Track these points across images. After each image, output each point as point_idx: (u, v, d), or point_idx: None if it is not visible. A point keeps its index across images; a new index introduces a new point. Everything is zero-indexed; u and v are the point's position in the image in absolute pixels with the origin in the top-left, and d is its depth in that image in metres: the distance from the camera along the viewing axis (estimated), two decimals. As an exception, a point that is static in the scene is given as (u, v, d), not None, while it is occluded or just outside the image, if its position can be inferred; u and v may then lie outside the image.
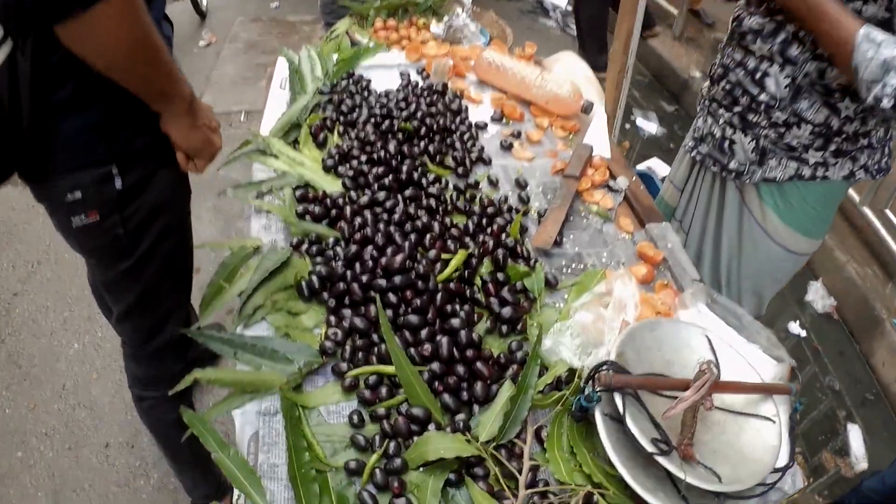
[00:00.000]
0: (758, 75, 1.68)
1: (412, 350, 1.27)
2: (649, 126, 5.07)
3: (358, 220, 1.51)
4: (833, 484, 2.74)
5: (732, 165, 1.82)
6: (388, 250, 1.41)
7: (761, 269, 1.95)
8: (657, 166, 4.51)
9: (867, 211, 3.46)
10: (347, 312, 1.35)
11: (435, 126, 1.88)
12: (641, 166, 4.52)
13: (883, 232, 3.41)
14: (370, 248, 1.43)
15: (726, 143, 1.82)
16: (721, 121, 1.83)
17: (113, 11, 1.15)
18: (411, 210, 1.54)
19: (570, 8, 7.10)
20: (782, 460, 1.18)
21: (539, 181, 1.86)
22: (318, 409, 1.24)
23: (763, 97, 1.68)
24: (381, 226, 1.49)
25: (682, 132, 5.00)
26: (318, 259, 1.45)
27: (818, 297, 3.52)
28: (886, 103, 1.39)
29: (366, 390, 1.24)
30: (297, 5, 6.89)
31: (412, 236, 1.46)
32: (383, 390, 1.24)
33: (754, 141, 1.75)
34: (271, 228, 1.59)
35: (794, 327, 3.39)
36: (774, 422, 1.22)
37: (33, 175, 1.45)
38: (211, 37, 6.07)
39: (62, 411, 2.80)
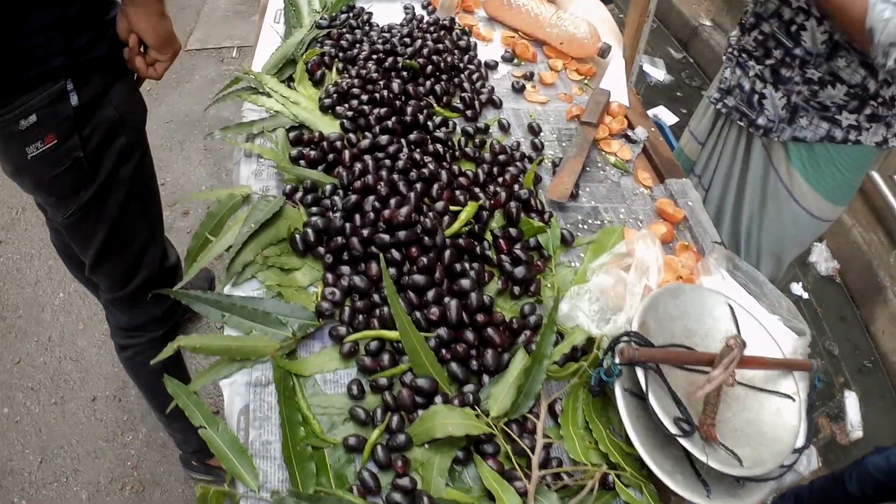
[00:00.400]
0: (793, 27, 1.58)
1: (417, 314, 1.17)
2: (656, 73, 4.95)
3: (358, 166, 1.40)
4: (827, 451, 2.72)
5: (761, 121, 1.71)
6: (392, 201, 1.29)
7: (783, 232, 1.87)
8: (664, 114, 4.43)
9: (876, 176, 3.35)
10: (346, 269, 1.25)
11: (442, 64, 1.76)
12: (648, 113, 4.42)
13: (891, 198, 3.32)
14: (371, 198, 1.31)
15: (755, 98, 1.72)
16: (751, 73, 1.72)
17: None
18: (416, 156, 1.43)
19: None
20: (801, 440, 1.12)
21: (553, 127, 1.75)
22: (314, 378, 1.15)
23: (798, 51, 1.59)
24: (384, 173, 1.37)
25: (690, 81, 4.92)
26: (314, 209, 1.34)
27: (822, 259, 3.46)
28: None
29: (366, 357, 1.15)
30: None
31: (417, 186, 1.35)
32: (385, 358, 1.15)
33: (786, 97, 1.65)
34: (262, 175, 1.48)
35: (797, 288, 3.34)
36: (794, 400, 1.16)
37: None
38: None
39: (48, 364, 2.74)
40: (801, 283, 3.35)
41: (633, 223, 1.53)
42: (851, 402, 2.85)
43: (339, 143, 1.48)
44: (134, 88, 1.58)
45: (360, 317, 1.19)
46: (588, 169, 1.64)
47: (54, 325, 2.88)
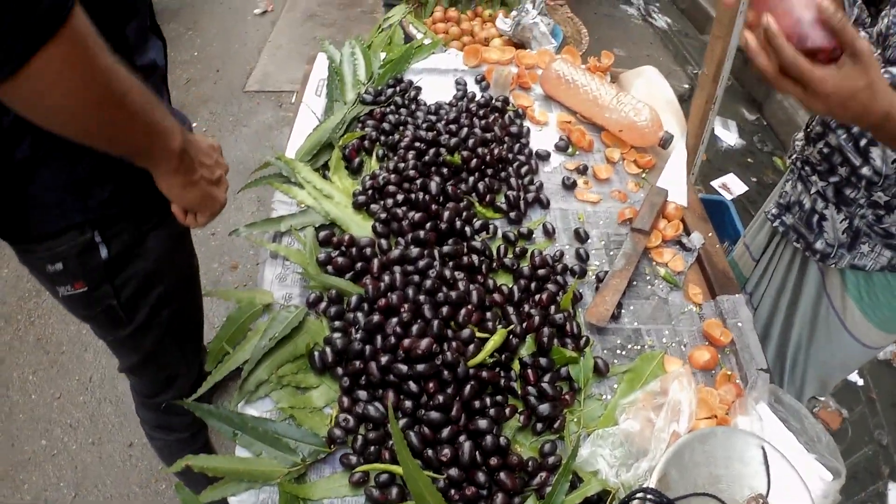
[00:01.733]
0: (862, 143, 1.58)
1: (429, 451, 1.25)
2: (728, 136, 5.00)
3: (386, 278, 1.48)
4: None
5: (818, 245, 1.75)
6: (414, 328, 1.37)
7: (831, 360, 1.91)
8: (733, 183, 4.46)
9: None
10: (362, 395, 1.33)
11: (488, 157, 1.83)
12: (716, 182, 4.47)
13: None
14: (394, 320, 1.39)
15: (815, 218, 1.75)
16: (813, 190, 1.75)
17: (55, 63, 0.94)
18: (447, 273, 1.50)
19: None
20: None
21: (602, 232, 1.81)
22: (322, 502, 1.23)
23: (865, 171, 1.59)
24: (411, 291, 1.45)
25: (762, 145, 4.95)
26: (336, 324, 1.43)
27: (880, 343, 3.50)
28: None
29: (375, 489, 1.22)
30: None
31: (444, 310, 1.42)
32: (394, 491, 1.22)
33: (848, 220, 1.68)
34: (287, 280, 1.57)
35: (853, 375, 3.37)
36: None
37: (13, 237, 1.42)
38: (267, 4, 6.18)
39: (87, 404, 2.99)
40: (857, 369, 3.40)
41: (675, 347, 1.57)
42: (894, 493, 2.88)
43: (368, 250, 1.56)
44: (180, 236, 1.66)
45: (372, 447, 1.26)
46: (635, 283, 1.70)
47: (96, 366, 3.13)
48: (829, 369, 1.94)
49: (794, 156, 1.84)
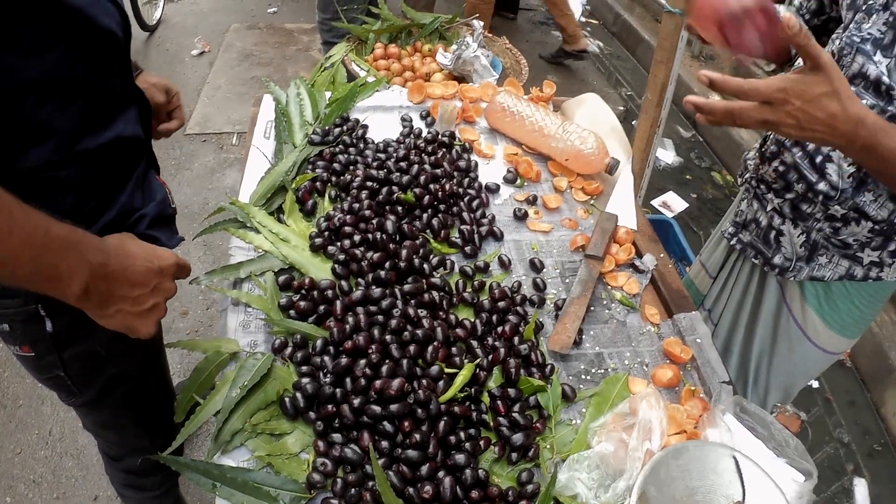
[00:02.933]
0: (818, 159, 1.64)
1: (410, 489, 1.27)
2: (665, 155, 5.16)
3: (350, 319, 1.51)
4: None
5: (777, 260, 1.82)
6: (384, 369, 1.40)
7: (793, 369, 1.98)
8: (673, 201, 4.59)
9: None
10: (338, 437, 1.35)
11: (440, 193, 1.88)
12: (657, 201, 4.60)
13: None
14: (363, 362, 1.42)
15: (773, 234, 1.82)
16: (769, 207, 1.82)
17: None
18: (410, 311, 1.54)
19: (584, 19, 7.31)
20: None
21: (556, 260, 1.87)
22: (305, 546, 1.25)
23: (822, 186, 1.64)
24: (376, 332, 1.48)
25: (700, 161, 5.12)
26: (304, 368, 1.45)
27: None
28: None
29: (358, 531, 1.25)
30: (297, 11, 7.22)
31: (411, 348, 1.46)
32: (379, 531, 1.24)
33: (805, 234, 1.75)
34: (250, 327, 1.59)
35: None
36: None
37: None
38: (204, 45, 6.27)
39: (49, 459, 2.97)
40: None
41: (638, 368, 1.63)
42: (861, 489, 2.99)
43: (330, 293, 1.59)
44: None
45: (353, 490, 1.28)
46: (593, 308, 1.75)
47: (55, 419, 3.11)
48: (792, 377, 2.02)
49: (748, 175, 1.92)
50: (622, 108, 5.88)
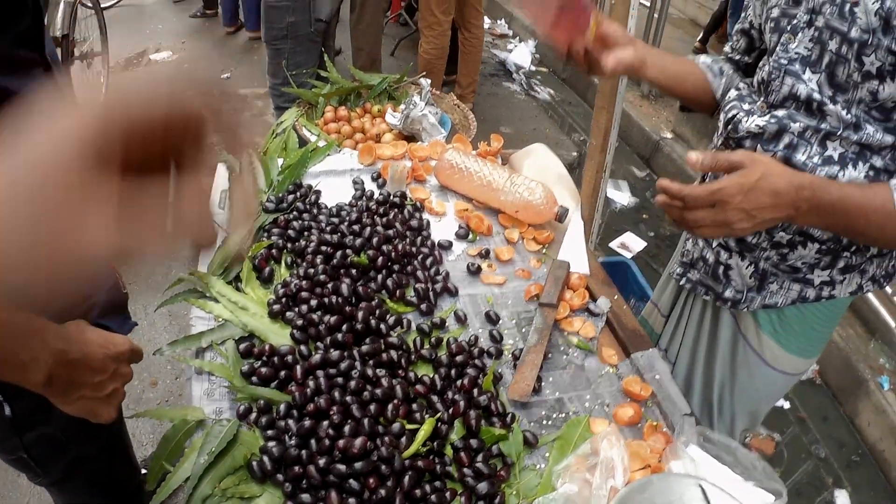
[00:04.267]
0: None
1: (380, 545, 1.32)
2: (620, 197, 5.29)
3: (311, 383, 1.56)
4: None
5: (728, 294, 1.89)
6: (346, 428, 1.45)
7: (756, 394, 2.04)
8: (631, 241, 4.70)
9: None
10: (306, 498, 1.39)
11: (393, 254, 1.95)
12: (615, 243, 4.70)
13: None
14: (325, 423, 1.47)
15: (721, 269, 1.89)
16: (714, 244, 1.89)
17: None
18: (369, 371, 1.59)
19: (534, 68, 7.45)
20: None
21: (512, 311, 1.93)
22: None
23: None
24: (337, 394, 1.53)
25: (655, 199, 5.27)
26: (269, 432, 1.50)
27: (801, 365, 3.79)
28: None
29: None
30: (249, 76, 7.37)
31: (371, 407, 1.51)
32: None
33: (753, 265, 1.81)
34: (214, 394, 1.63)
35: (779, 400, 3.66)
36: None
37: None
38: None
39: None
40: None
41: (599, 409, 1.69)
42: (842, 500, 3.09)
43: (290, 358, 1.64)
44: None
45: (324, 550, 1.33)
46: (550, 355, 1.81)
47: (32, 490, 3.07)
48: (756, 403, 2.07)
49: None
50: (575, 153, 6.01)
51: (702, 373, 2.10)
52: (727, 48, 2.00)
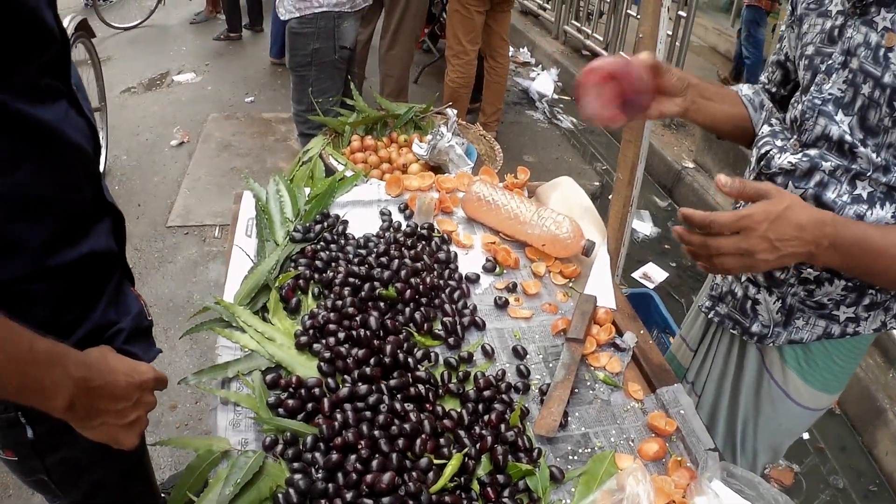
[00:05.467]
0: None
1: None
2: (643, 227, 5.30)
3: (338, 416, 1.58)
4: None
5: (755, 328, 1.90)
6: (374, 463, 1.47)
7: (779, 428, 2.05)
8: (653, 272, 4.70)
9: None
10: (334, 534, 1.41)
11: (421, 287, 1.96)
12: (637, 273, 4.70)
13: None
14: (353, 457, 1.49)
15: (748, 304, 1.90)
16: (743, 278, 1.91)
17: None
18: (397, 406, 1.61)
19: (556, 96, 7.49)
20: None
21: (539, 346, 1.95)
22: None
23: None
24: (365, 428, 1.55)
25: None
26: (295, 465, 1.51)
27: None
28: None
29: None
30: (273, 100, 7.50)
31: (399, 442, 1.53)
32: None
33: (780, 300, 1.83)
34: (240, 425, 1.65)
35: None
36: None
37: None
38: (183, 135, 6.46)
39: None
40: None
41: (624, 444, 1.70)
42: None
43: (317, 390, 1.66)
44: None
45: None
46: (577, 390, 1.82)
47: None
48: (778, 437, 2.08)
49: None
50: (597, 182, 6.05)
51: (727, 407, 2.10)
52: (763, 78, 2.03)
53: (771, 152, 1.76)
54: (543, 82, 8.18)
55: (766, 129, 1.85)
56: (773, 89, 1.99)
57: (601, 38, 8.41)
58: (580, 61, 8.67)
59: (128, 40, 9.54)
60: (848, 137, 1.58)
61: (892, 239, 1.49)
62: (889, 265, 1.51)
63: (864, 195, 1.60)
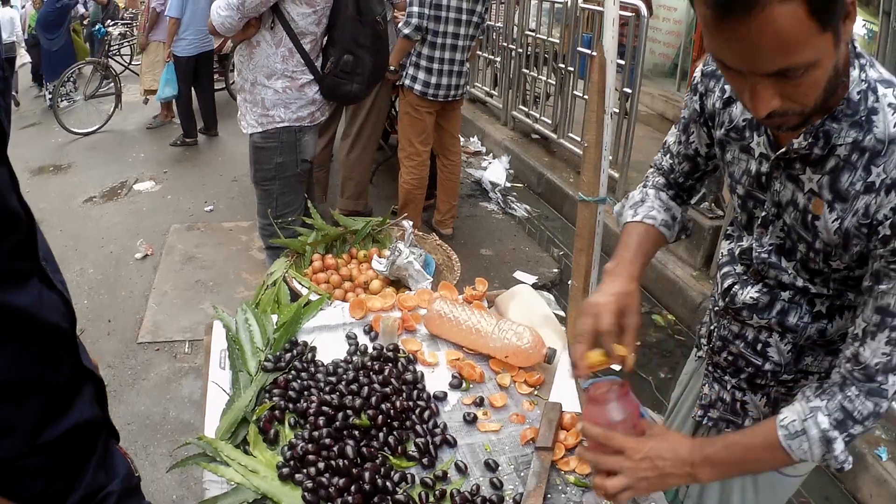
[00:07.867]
0: (759, 346, 1.99)
1: None
2: None
3: (325, 544, 1.71)
4: None
5: (747, 424, 2.11)
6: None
7: (774, 501, 2.21)
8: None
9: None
10: None
11: (392, 412, 2.11)
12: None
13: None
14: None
15: (738, 405, 2.12)
16: (729, 386, 2.13)
17: None
18: (380, 531, 1.74)
19: (509, 184, 7.74)
20: None
21: (510, 457, 2.09)
22: None
23: (768, 366, 1.98)
24: (351, 556, 1.68)
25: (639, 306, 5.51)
26: None
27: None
28: (847, 464, 1.74)
29: None
30: (232, 208, 7.76)
31: (385, 568, 1.66)
32: None
33: (765, 397, 2.05)
34: (235, 559, 1.78)
35: None
36: None
37: None
38: (147, 248, 6.65)
39: None
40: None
41: (599, 545, 1.84)
42: None
43: (303, 521, 1.79)
44: None
45: None
46: (549, 496, 1.95)
47: None
48: None
49: (705, 359, 2.25)
50: (556, 269, 6.22)
51: (717, 495, 2.25)
52: (665, 164, 2.18)
53: (734, 288, 2.00)
54: (495, 171, 8.43)
55: (725, 256, 2.09)
56: (682, 179, 2.17)
57: (549, 121, 8.73)
58: (530, 146, 8.99)
59: (88, 146, 9.79)
60: (799, 282, 1.82)
61: (750, 437, 1.74)
62: (760, 459, 1.73)
63: (824, 310, 1.85)
